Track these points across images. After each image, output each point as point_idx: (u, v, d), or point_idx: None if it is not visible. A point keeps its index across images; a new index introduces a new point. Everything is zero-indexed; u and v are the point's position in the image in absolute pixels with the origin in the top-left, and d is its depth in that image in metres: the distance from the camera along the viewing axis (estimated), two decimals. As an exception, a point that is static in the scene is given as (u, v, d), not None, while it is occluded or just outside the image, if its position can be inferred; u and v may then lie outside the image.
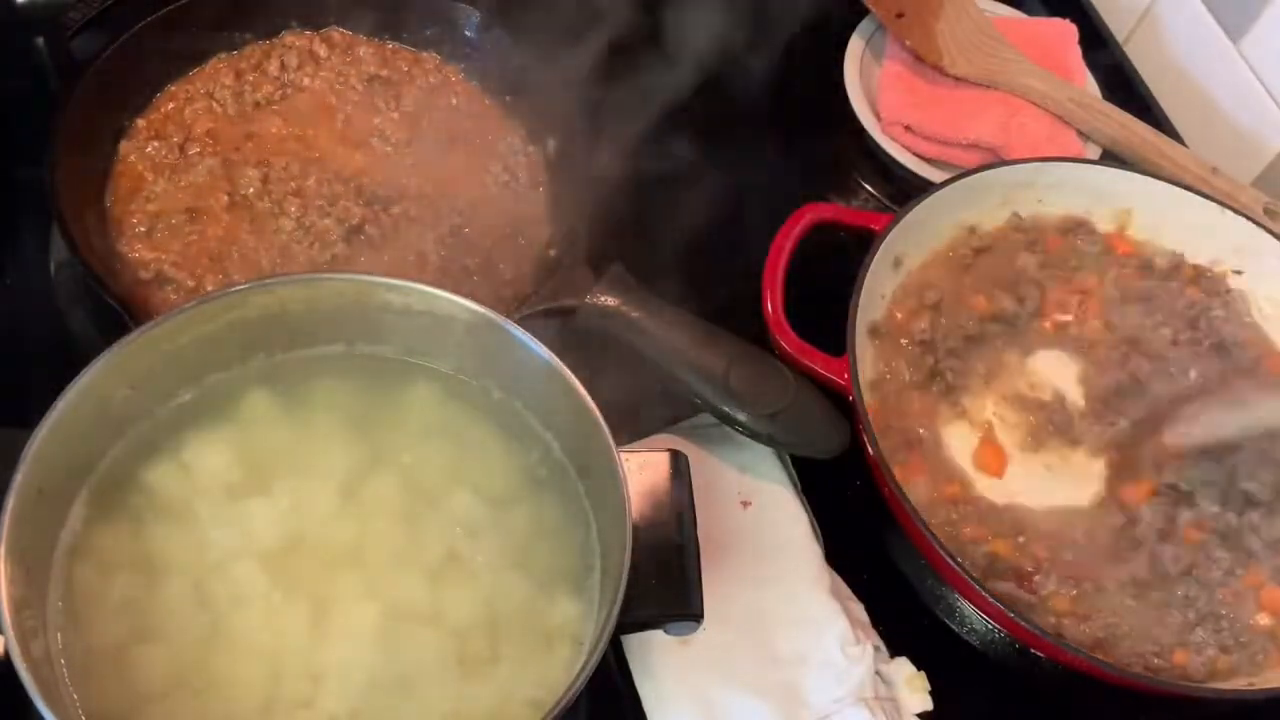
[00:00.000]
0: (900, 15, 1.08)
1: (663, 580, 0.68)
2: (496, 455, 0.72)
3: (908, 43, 1.08)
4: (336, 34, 1.01)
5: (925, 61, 1.09)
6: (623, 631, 0.67)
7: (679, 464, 0.72)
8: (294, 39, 1.00)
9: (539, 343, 0.68)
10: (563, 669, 0.61)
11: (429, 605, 0.67)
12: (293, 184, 0.92)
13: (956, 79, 1.09)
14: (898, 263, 0.93)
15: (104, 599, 0.65)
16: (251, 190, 0.92)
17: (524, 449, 0.72)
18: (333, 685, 0.64)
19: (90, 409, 0.66)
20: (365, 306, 0.71)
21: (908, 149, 1.07)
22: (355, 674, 0.64)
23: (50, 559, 0.65)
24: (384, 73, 1.00)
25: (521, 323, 0.83)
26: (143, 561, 0.67)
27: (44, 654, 0.62)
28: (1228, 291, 0.95)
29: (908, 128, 1.07)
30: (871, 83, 1.11)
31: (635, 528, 0.64)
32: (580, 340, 0.85)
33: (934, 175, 1.05)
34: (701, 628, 0.78)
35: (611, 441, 0.66)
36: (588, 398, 0.67)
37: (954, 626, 0.85)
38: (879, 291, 0.92)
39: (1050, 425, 0.89)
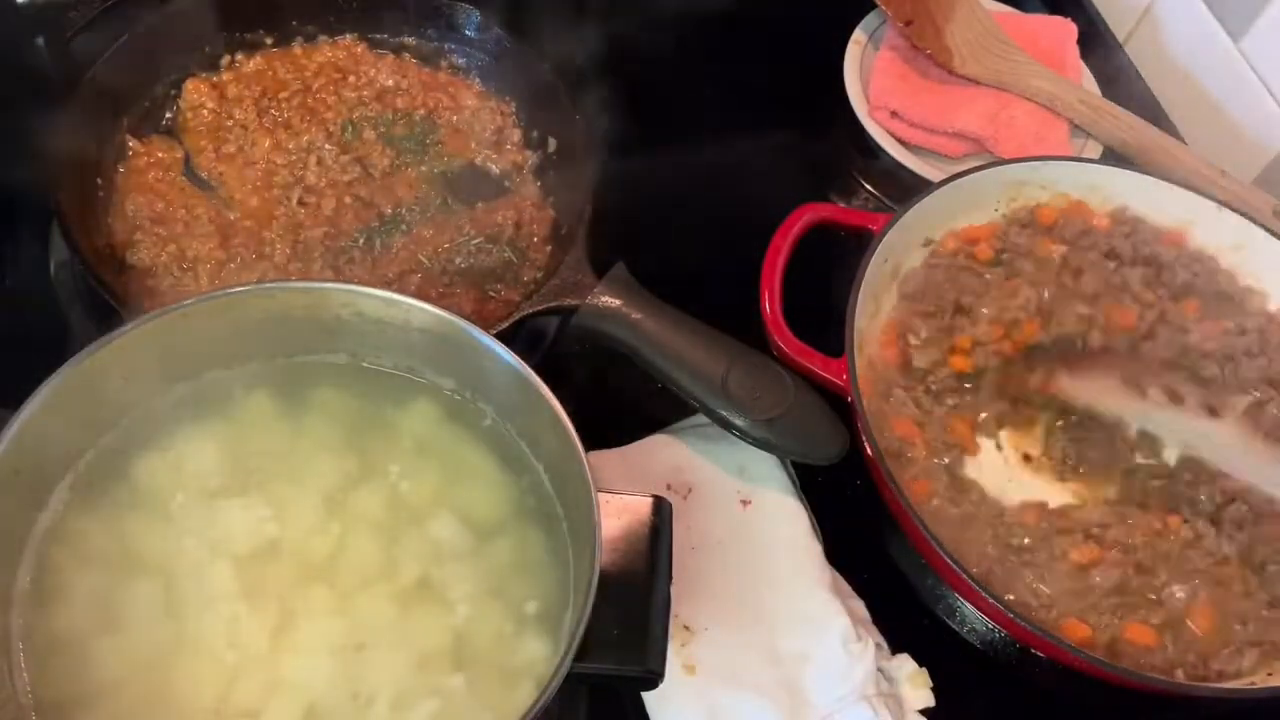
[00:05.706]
0: (909, 23, 1.08)
1: (625, 632, 0.65)
2: (487, 481, 0.71)
3: (924, 48, 1.08)
4: (346, 41, 1.01)
5: (936, 62, 1.08)
6: (578, 682, 0.64)
7: (662, 513, 0.68)
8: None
9: (531, 371, 0.67)
10: (520, 709, 0.59)
11: (394, 629, 0.66)
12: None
13: (966, 79, 1.09)
14: (897, 262, 0.93)
15: (76, 585, 0.65)
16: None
17: (515, 477, 0.71)
18: (284, 699, 0.63)
19: (79, 396, 0.65)
20: (365, 318, 0.71)
21: (892, 134, 1.07)
22: (308, 690, 0.64)
23: (25, 540, 0.65)
24: (390, 82, 1.00)
25: (523, 322, 0.83)
26: (119, 552, 0.67)
27: (2, 633, 0.62)
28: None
29: (894, 113, 1.07)
30: (869, 74, 1.11)
31: (603, 574, 0.62)
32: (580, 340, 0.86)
33: (916, 163, 1.05)
34: (704, 626, 0.79)
35: (591, 480, 0.64)
36: (573, 432, 0.65)
37: (954, 626, 0.85)
38: (878, 291, 0.92)
39: None
